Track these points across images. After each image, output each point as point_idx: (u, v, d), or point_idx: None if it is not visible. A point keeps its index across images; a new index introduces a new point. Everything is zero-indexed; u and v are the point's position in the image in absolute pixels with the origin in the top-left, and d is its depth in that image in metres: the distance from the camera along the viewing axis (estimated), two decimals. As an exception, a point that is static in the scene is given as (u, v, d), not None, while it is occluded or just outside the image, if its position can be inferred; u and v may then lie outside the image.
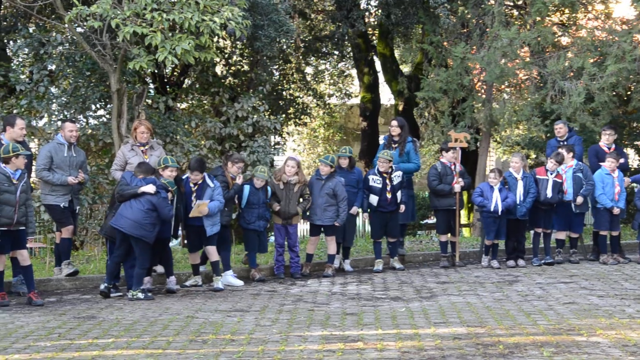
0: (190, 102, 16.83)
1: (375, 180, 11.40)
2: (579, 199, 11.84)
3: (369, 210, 11.52)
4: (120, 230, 9.38)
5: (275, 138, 19.34)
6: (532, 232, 12.16)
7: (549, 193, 11.71)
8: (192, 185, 10.20)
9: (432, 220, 19.78)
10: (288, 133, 22.01)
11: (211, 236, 10.21)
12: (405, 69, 23.51)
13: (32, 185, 9.93)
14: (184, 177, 10.29)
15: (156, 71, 15.16)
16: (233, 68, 16.49)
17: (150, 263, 9.69)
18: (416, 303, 9.00)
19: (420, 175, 22.27)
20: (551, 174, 11.78)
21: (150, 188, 9.40)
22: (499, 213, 11.52)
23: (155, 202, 9.36)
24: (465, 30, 15.99)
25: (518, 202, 11.61)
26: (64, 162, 10.08)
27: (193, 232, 10.27)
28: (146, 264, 9.53)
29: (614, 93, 14.90)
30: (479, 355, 6.58)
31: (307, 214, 11.24)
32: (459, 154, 11.94)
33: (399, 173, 11.43)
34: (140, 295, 9.37)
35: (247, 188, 10.82)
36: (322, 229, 11.30)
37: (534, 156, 17.84)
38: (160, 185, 9.50)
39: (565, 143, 12.30)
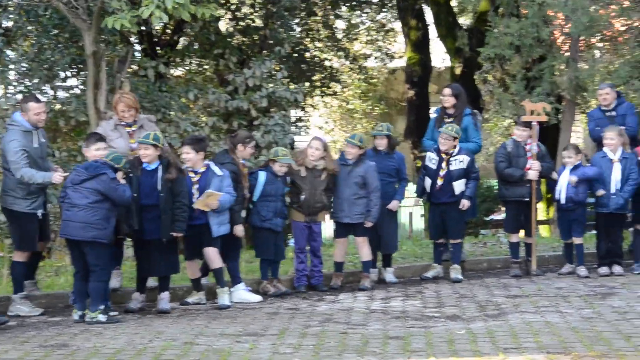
0: (187, 67, 16.89)
1: (431, 160, 11.40)
2: None
3: (423, 198, 11.53)
4: (70, 238, 9.46)
5: (296, 113, 19.39)
6: (631, 230, 12.03)
7: None
8: (192, 174, 10.21)
9: (500, 215, 19.67)
10: (313, 106, 22.06)
11: (216, 237, 10.24)
12: (465, 20, 23.33)
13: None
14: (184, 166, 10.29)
15: (143, 28, 15.22)
16: (242, 23, 16.53)
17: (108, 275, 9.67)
18: (480, 323, 8.95)
19: (484, 158, 22.16)
20: None
21: (56, 178, 9.46)
22: (564, 203, 11.57)
23: (102, 188, 9.34)
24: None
25: (614, 190, 11.49)
26: (36, 154, 9.92)
27: (192, 232, 10.27)
28: (105, 274, 9.55)
29: None
30: (562, 391, 6.54)
31: (331, 210, 11.27)
32: (535, 130, 11.83)
33: (464, 158, 11.37)
34: (102, 317, 9.39)
35: (262, 175, 10.86)
36: (351, 229, 11.31)
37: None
38: (104, 165, 9.42)
39: (614, 113, 12.16)
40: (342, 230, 11.36)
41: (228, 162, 10.57)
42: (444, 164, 11.37)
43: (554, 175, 11.80)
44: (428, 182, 11.46)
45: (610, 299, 10.05)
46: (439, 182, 11.39)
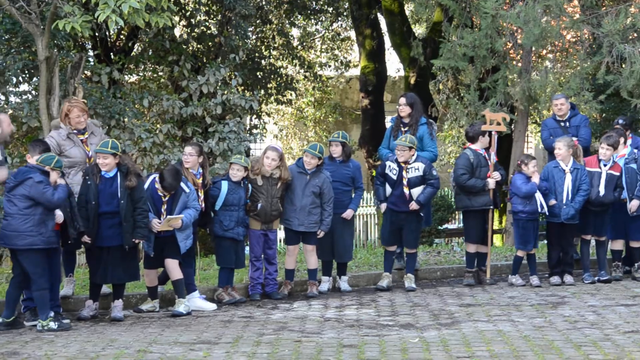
0: (141, 74, 16.81)
1: (392, 169, 11.42)
2: (634, 203, 11.85)
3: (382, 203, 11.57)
4: (9, 247, 9.40)
5: (251, 120, 19.37)
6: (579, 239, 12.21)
7: (602, 190, 11.72)
8: (157, 186, 10.20)
9: (454, 225, 19.82)
10: (268, 114, 22.07)
11: (177, 248, 10.26)
12: (419, 30, 23.52)
13: None
14: (150, 176, 10.29)
15: (97, 34, 15.14)
16: (197, 30, 16.49)
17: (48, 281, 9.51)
18: (433, 332, 9.02)
19: (439, 168, 22.29)
20: (605, 164, 11.79)
21: None
22: (541, 213, 11.66)
23: (29, 192, 9.23)
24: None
25: (565, 200, 11.64)
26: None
27: (156, 242, 10.27)
28: (44, 282, 9.40)
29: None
30: (515, 399, 6.60)
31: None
32: (494, 139, 11.92)
33: (419, 165, 11.41)
34: (53, 325, 9.31)
35: (225, 184, 10.88)
36: (301, 236, 11.39)
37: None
38: (32, 168, 9.33)
39: (568, 124, 12.37)
40: (294, 237, 11.40)
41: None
42: (404, 173, 11.41)
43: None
44: (388, 190, 11.48)
45: (561, 308, 10.17)
46: (406, 191, 11.41)
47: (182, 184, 10.25)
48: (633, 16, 14.47)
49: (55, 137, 10.34)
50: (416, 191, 11.41)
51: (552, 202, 11.66)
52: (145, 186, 10.14)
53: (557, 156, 11.77)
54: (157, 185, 10.17)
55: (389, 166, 11.46)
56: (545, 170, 11.90)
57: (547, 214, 11.75)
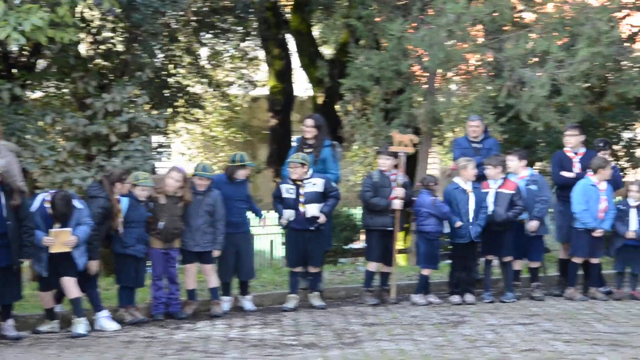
0: (45, 90, 16.55)
1: (288, 190, 11.49)
2: (533, 224, 12.13)
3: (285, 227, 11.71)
4: None
5: (158, 139, 19.24)
6: (482, 259, 12.41)
7: (490, 208, 11.96)
8: (47, 205, 10.01)
9: (359, 244, 19.91)
10: (175, 132, 21.93)
11: (73, 266, 10.06)
12: (327, 50, 23.67)
13: None
14: (39, 195, 10.11)
15: (-1, 50, 14.88)
16: (103, 47, 16.30)
17: None
18: (336, 351, 9.06)
19: (346, 189, 22.39)
20: (494, 182, 12.03)
21: None
22: (443, 233, 11.95)
23: None
24: (403, 2, 16.19)
25: (471, 219, 11.84)
26: None
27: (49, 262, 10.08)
28: None
29: (587, 84, 15.32)
30: (412, 417, 6.67)
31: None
32: (403, 161, 12.09)
33: (317, 181, 11.52)
34: None
35: (125, 201, 10.80)
36: (198, 256, 11.40)
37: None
38: None
39: (480, 146, 12.66)
40: (191, 256, 11.38)
41: (102, 197, 10.50)
42: (301, 190, 11.50)
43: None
44: (290, 212, 11.56)
45: (461, 327, 10.33)
46: (302, 209, 11.51)
47: (75, 201, 10.09)
48: (533, 42, 14.82)
49: None
50: (312, 207, 11.48)
51: (459, 223, 11.84)
52: (35, 206, 9.99)
53: (461, 178, 12.00)
54: (47, 205, 10.01)
55: (286, 188, 11.56)
56: (446, 193, 12.11)
57: (450, 234, 11.98)
